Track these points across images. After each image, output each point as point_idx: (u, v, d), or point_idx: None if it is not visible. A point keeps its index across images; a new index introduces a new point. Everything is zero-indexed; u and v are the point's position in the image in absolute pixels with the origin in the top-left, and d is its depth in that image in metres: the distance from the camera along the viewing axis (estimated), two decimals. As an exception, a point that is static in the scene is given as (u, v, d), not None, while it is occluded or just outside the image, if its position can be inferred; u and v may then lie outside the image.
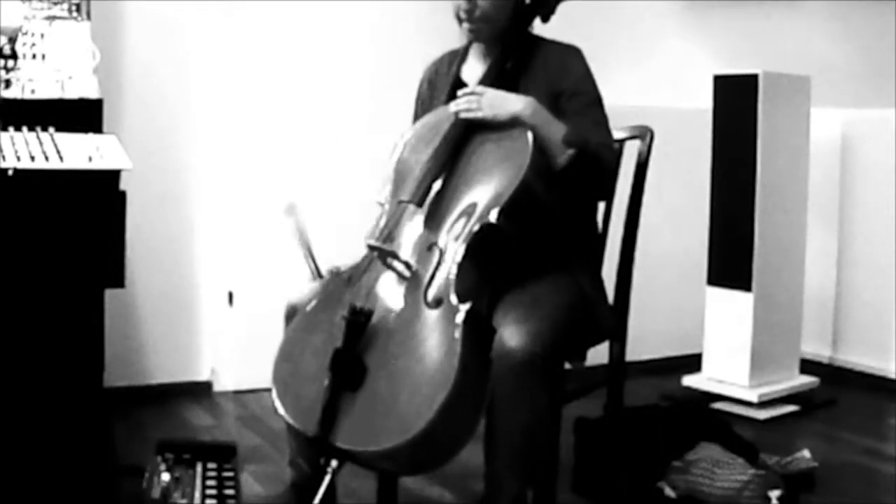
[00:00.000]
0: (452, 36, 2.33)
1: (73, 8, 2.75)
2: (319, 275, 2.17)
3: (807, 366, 3.78)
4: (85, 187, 2.16)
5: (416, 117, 2.39)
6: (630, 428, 2.67)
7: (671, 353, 4.05)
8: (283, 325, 2.17)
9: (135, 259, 2.43)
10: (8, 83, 2.60)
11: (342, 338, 1.90)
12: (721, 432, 2.74)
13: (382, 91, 3.63)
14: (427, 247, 2.01)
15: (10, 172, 2.08)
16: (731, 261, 3.53)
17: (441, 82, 2.36)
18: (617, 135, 2.29)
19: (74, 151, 2.22)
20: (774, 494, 2.51)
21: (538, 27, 2.28)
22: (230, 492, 2.29)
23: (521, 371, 1.88)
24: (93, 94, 2.65)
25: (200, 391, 3.64)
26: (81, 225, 2.17)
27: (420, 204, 2.06)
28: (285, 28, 3.65)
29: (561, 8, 2.24)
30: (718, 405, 3.54)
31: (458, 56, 2.37)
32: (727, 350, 3.56)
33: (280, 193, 3.57)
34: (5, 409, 2.22)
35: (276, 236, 3.51)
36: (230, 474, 2.39)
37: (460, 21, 2.20)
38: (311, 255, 2.13)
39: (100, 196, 2.18)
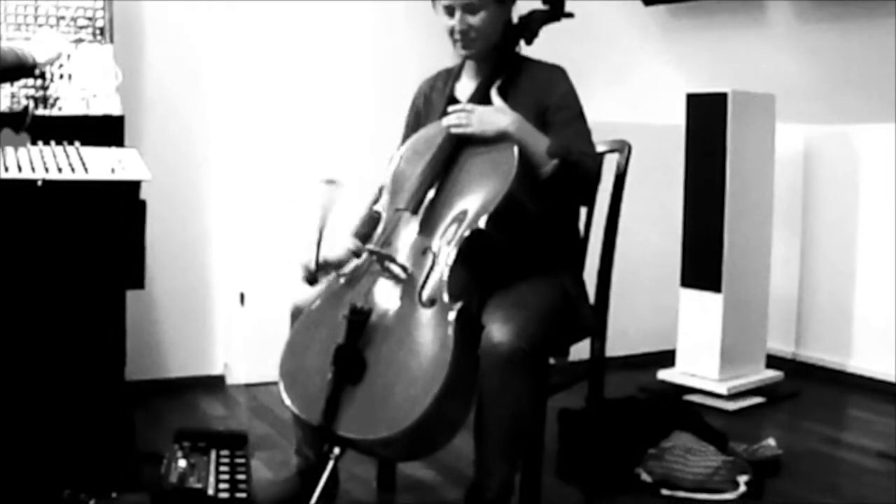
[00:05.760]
0: (447, 55, 2.34)
1: (98, 32, 2.76)
2: (317, 264, 2.14)
3: (772, 361, 3.78)
4: (108, 197, 2.16)
5: (408, 130, 2.39)
6: (610, 418, 2.67)
7: (647, 349, 4.05)
8: (290, 325, 2.17)
9: (154, 263, 2.43)
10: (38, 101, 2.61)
11: (344, 335, 1.90)
12: (693, 422, 2.74)
13: (384, 106, 3.62)
14: (422, 251, 2.01)
15: (39, 183, 2.08)
16: (702, 264, 3.53)
17: (436, 99, 2.36)
18: (598, 148, 2.29)
19: (98, 163, 2.22)
20: (742, 479, 2.52)
21: (524, 49, 2.28)
22: (242, 477, 2.29)
23: (508, 365, 1.89)
24: (115, 111, 2.66)
25: (214, 384, 3.63)
26: (104, 231, 2.17)
27: (415, 211, 2.07)
28: (293, 49, 3.65)
29: (544, 31, 2.25)
30: (691, 397, 3.53)
31: (453, 75, 2.37)
32: (699, 346, 3.56)
33: (280, 197, 3.62)
34: (34, 400, 2.22)
35: (284, 241, 3.54)
36: (242, 461, 2.38)
37: (455, 41, 2.21)
38: (319, 239, 2.11)
39: (121, 205, 2.18)
